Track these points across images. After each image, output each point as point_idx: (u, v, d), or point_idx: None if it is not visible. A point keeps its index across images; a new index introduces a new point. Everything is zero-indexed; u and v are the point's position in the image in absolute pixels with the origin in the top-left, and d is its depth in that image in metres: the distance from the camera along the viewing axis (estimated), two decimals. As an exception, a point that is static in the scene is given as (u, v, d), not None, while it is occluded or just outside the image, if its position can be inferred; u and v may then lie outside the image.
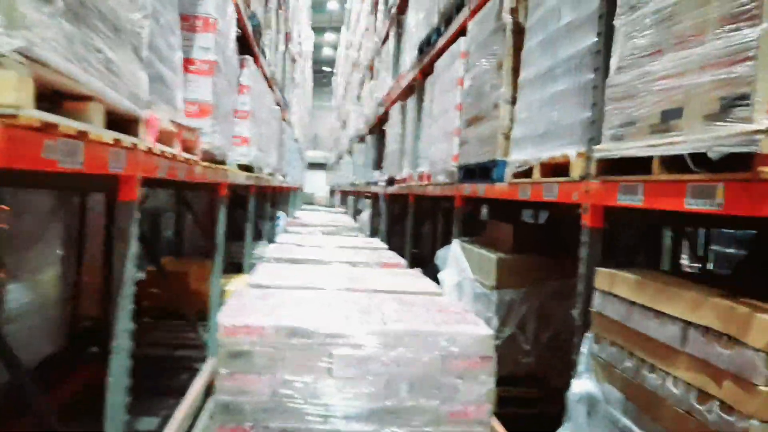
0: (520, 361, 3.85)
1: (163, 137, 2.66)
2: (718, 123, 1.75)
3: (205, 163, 3.62)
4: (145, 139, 2.34)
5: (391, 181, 8.75)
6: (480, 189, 4.23)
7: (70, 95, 1.72)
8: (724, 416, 1.63)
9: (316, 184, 36.17)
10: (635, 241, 5.24)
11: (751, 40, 1.65)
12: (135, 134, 2.23)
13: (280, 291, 2.80)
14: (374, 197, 11.20)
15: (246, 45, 5.62)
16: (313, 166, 35.77)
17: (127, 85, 2.05)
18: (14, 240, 3.43)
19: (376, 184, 10.53)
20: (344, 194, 21.60)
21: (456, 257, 4.65)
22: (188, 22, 3.44)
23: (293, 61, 12.56)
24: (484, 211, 7.08)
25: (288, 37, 10.53)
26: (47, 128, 1.51)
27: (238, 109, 5.40)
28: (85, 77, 1.68)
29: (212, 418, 2.14)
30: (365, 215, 12.44)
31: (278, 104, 9.11)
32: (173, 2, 2.98)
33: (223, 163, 4.31)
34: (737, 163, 1.68)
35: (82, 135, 1.71)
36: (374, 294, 2.93)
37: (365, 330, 2.19)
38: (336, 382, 2.14)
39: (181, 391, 3.72)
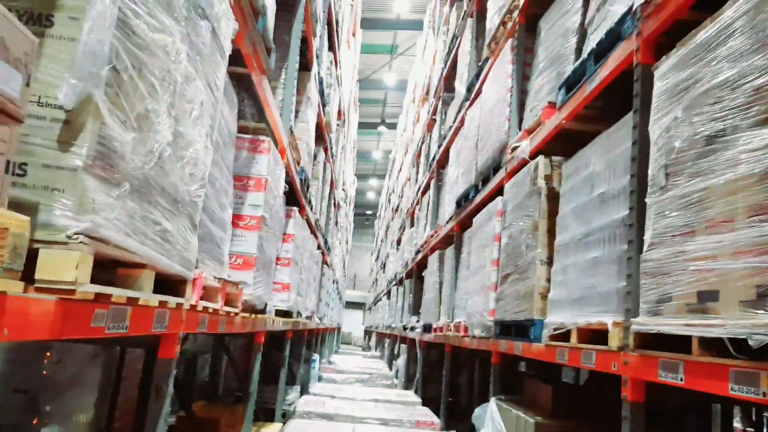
0: None
1: (207, 293, 2.77)
2: (756, 310, 1.74)
3: (245, 314, 3.69)
4: (190, 298, 2.44)
5: (427, 328, 8.65)
6: (517, 347, 4.16)
7: (125, 263, 1.84)
8: None
9: (354, 323, 35.91)
10: (684, 403, 4.96)
11: (781, 232, 1.68)
12: (181, 294, 2.33)
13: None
14: (410, 343, 11.03)
15: (293, 195, 5.92)
16: (351, 305, 35.76)
17: (178, 250, 2.18)
18: (52, 385, 3.48)
19: (412, 329, 10.43)
20: (380, 336, 21.33)
21: (493, 418, 4.47)
22: (241, 182, 3.69)
23: (337, 207, 13.06)
24: (523, 362, 6.87)
25: (333, 185, 11.05)
26: (100, 298, 1.61)
27: (281, 256, 5.57)
28: (141, 249, 1.80)
29: None
30: (401, 361, 12.17)
31: (320, 247, 9.37)
32: (229, 166, 3.22)
33: (262, 311, 4.39)
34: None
35: (131, 301, 1.80)
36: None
37: None
38: None
39: None
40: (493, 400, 4.65)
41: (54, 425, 3.57)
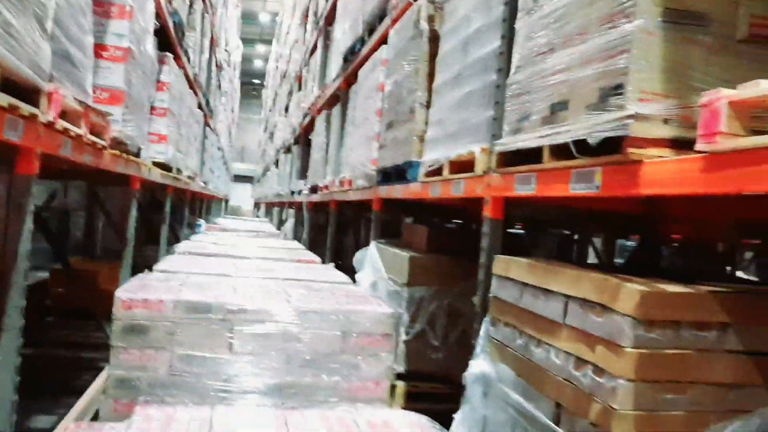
0: (429, 357, 3.94)
1: (69, 116, 2.61)
2: (597, 112, 1.91)
3: (115, 152, 3.54)
4: (47, 113, 2.29)
5: (314, 190, 8.76)
6: (396, 190, 4.33)
7: (-38, 53, 1.68)
8: (596, 379, 1.76)
9: (243, 197, 35.65)
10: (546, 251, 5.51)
11: (626, 35, 1.81)
12: (35, 105, 2.19)
13: (185, 275, 2.78)
14: (298, 207, 11.17)
15: (167, 43, 5.55)
16: (240, 179, 35.25)
17: (27, 52, 2.01)
18: None
19: (300, 193, 10.52)
20: (269, 206, 21.38)
21: (372, 258, 4.72)
22: (102, 7, 3.38)
23: (219, 67, 12.42)
24: (409, 221, 7.20)
25: (214, 42, 10.42)
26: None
27: (156, 105, 5.32)
28: (-21, 33, 1.64)
29: (106, 393, 2.09)
30: (288, 225, 12.38)
31: (201, 108, 8.99)
32: (86, -17, 2.93)
33: (136, 156, 4.23)
34: (618, 148, 1.84)
35: (-28, 93, 1.67)
36: (283, 281, 2.95)
37: (268, 307, 2.22)
38: (236, 358, 2.15)
39: (82, 392, 3.58)
40: (372, 243, 4.89)
41: None
